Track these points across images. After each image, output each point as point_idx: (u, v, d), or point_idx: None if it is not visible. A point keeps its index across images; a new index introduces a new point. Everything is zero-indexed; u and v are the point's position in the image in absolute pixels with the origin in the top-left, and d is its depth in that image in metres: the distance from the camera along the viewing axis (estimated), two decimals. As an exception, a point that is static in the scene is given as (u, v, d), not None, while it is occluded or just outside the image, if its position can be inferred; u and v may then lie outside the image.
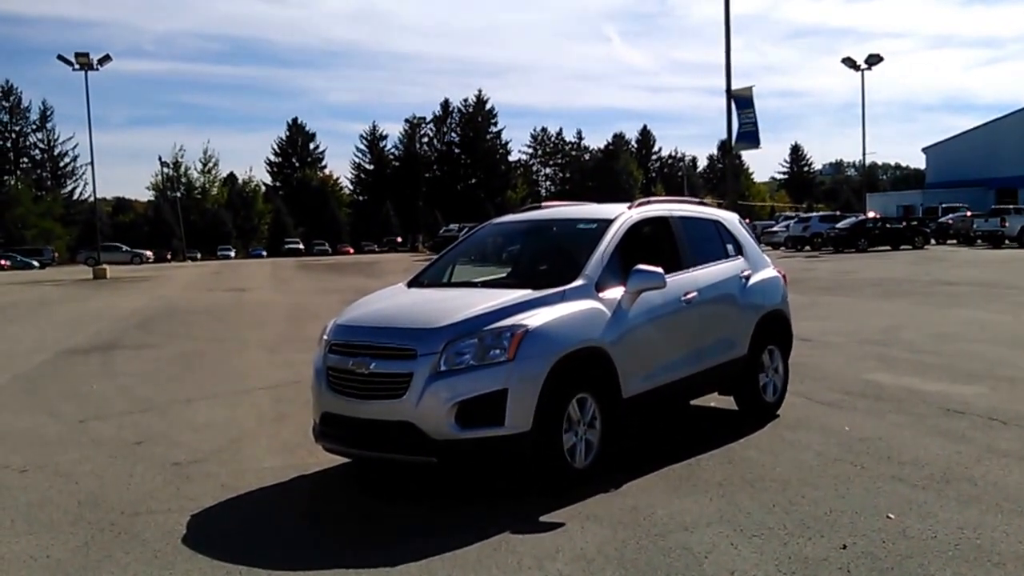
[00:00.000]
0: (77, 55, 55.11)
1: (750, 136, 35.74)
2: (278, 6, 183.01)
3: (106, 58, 56.25)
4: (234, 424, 9.57)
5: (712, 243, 8.81)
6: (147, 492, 7.15)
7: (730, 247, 8.95)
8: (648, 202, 8.54)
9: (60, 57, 55.78)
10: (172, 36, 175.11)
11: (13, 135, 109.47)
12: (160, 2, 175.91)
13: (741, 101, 35.49)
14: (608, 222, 7.78)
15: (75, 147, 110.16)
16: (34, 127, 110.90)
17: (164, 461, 8.07)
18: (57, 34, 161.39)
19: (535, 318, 6.60)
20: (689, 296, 7.95)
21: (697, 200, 9.91)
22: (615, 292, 7.20)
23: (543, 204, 9.46)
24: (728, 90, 35.62)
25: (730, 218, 9.45)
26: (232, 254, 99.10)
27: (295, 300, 27.86)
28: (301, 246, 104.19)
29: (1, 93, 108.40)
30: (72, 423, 9.82)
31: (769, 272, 9.29)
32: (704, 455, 7.55)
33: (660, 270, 7.32)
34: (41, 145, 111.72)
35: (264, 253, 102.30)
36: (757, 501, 6.35)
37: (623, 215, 7.93)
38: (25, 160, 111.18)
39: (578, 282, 7.08)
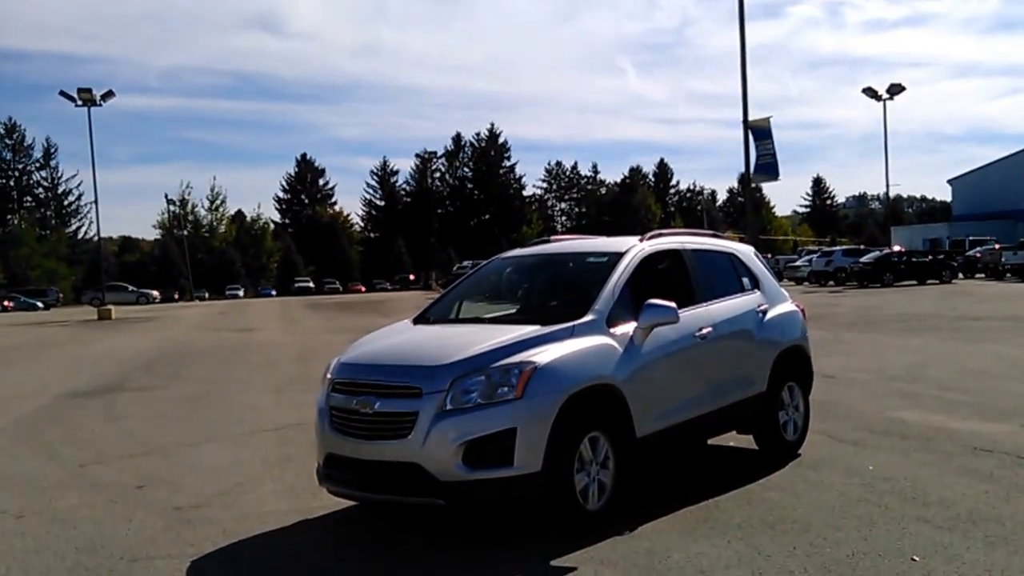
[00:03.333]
0: (80, 91, 55.04)
1: (768, 168, 35.44)
2: (284, 40, 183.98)
3: (109, 93, 56.16)
4: (238, 467, 9.37)
5: (727, 276, 8.63)
6: (147, 538, 6.97)
7: (746, 280, 8.77)
8: (660, 235, 8.37)
9: (62, 93, 55.72)
10: (177, 71, 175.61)
11: (16, 173, 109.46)
12: (164, 37, 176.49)
13: (759, 132, 35.26)
14: (619, 255, 7.62)
15: (79, 185, 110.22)
16: (37, 165, 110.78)
17: (165, 506, 7.89)
18: (60, 70, 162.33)
19: (544, 354, 6.43)
20: (704, 331, 7.76)
21: (711, 232, 9.74)
22: (627, 327, 7.02)
23: (552, 238, 9.34)
24: (745, 121, 35.46)
25: (745, 251, 9.27)
26: (241, 293, 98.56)
27: (304, 340, 27.72)
28: (311, 284, 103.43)
29: (4, 130, 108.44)
30: (72, 467, 9.65)
31: (787, 306, 9.10)
32: (722, 496, 7.34)
33: (673, 304, 7.14)
34: (45, 183, 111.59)
35: (273, 292, 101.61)
36: (777, 543, 6.16)
37: (634, 248, 7.77)
38: (29, 199, 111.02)
39: (588, 317, 6.91)
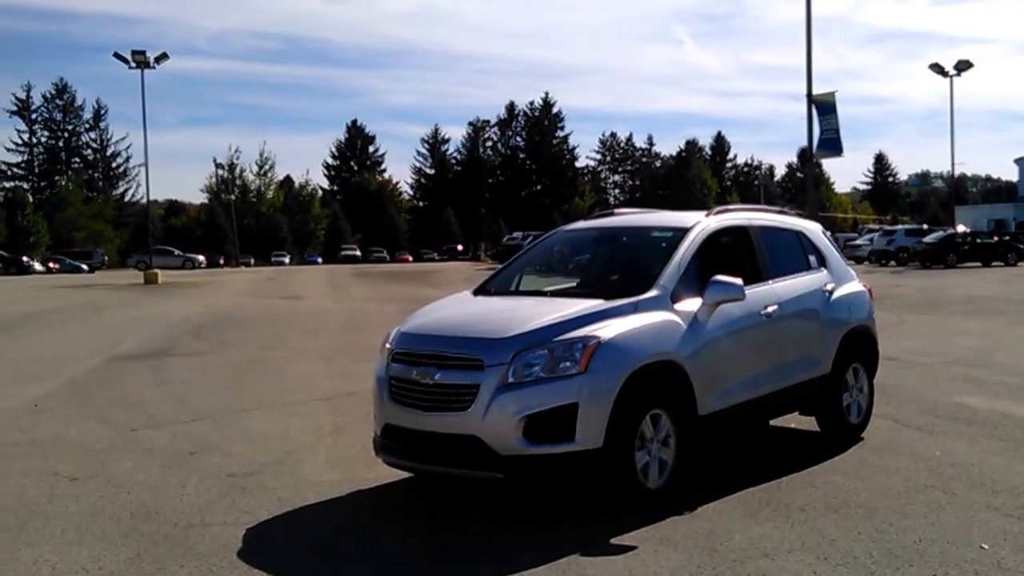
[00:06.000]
0: (134, 53, 54.84)
1: (832, 144, 34.74)
2: (335, 5, 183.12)
3: (163, 56, 55.91)
4: (290, 435, 9.34)
5: (794, 254, 8.45)
6: (201, 504, 6.95)
7: (812, 259, 8.58)
8: (726, 210, 8.22)
9: (116, 55, 55.62)
10: (227, 34, 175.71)
11: (65, 134, 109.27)
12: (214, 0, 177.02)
13: (823, 107, 34.56)
14: (684, 231, 7.46)
15: (128, 147, 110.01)
16: (87, 126, 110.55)
17: (219, 472, 7.88)
18: (110, 32, 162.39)
19: (608, 329, 6.33)
20: (769, 310, 7.60)
21: (778, 209, 9.53)
22: (691, 304, 6.89)
23: (615, 211, 9.18)
24: (809, 95, 34.77)
25: (813, 228, 9.06)
26: (287, 260, 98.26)
27: (351, 308, 27.78)
28: (358, 253, 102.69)
29: (55, 91, 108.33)
30: (124, 431, 9.66)
31: (854, 286, 8.89)
32: (785, 478, 7.20)
33: (739, 281, 7.01)
34: (93, 145, 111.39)
35: (319, 259, 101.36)
36: (842, 528, 6.04)
37: (700, 223, 7.61)
38: (77, 160, 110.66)
39: (652, 292, 6.78)
